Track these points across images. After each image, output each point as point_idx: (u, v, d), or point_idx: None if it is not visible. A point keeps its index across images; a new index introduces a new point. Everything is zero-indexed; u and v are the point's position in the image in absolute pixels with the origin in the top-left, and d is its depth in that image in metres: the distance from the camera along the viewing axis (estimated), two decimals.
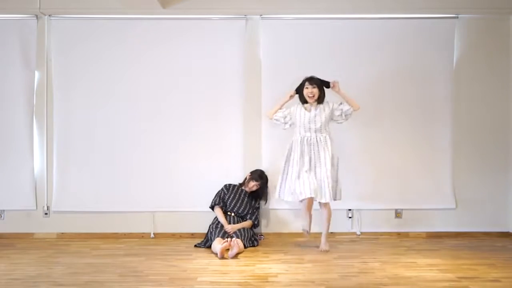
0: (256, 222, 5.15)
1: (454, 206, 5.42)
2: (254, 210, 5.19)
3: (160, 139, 5.41)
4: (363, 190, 5.36)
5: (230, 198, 5.17)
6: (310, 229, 4.81)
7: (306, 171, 4.68)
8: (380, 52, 5.39)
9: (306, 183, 4.64)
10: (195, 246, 4.94)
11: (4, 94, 5.39)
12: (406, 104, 5.39)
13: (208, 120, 5.42)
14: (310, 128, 4.77)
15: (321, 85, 4.82)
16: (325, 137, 4.76)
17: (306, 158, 4.72)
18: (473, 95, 5.45)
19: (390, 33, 5.40)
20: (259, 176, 5.20)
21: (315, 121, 4.76)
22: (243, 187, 5.24)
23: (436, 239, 5.28)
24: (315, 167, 4.71)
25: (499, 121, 5.47)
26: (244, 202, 5.18)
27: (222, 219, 5.01)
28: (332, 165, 4.71)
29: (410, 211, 5.43)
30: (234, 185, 5.27)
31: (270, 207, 5.40)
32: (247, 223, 5.09)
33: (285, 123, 4.98)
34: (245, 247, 4.79)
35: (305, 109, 4.84)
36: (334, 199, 4.74)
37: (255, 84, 5.43)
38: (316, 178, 4.68)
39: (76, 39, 5.42)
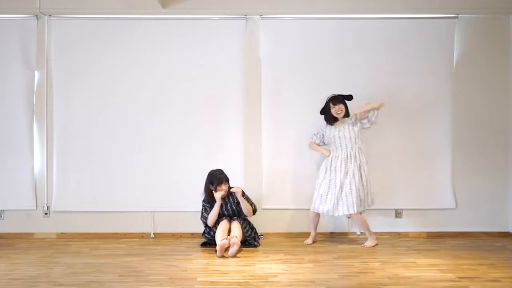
0: (254, 207, 5.01)
1: (454, 206, 5.42)
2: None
3: (160, 138, 5.41)
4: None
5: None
6: (311, 239, 5.11)
7: (335, 187, 4.91)
8: (380, 52, 5.39)
9: (328, 199, 4.93)
10: (201, 245, 4.96)
11: (4, 94, 5.39)
12: (406, 104, 5.39)
13: (208, 120, 5.42)
14: (341, 145, 4.97)
15: (344, 99, 5.01)
16: (355, 151, 4.93)
17: (334, 174, 4.93)
18: (473, 95, 5.45)
19: (390, 33, 5.40)
20: (219, 177, 4.93)
21: (344, 136, 4.95)
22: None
23: (436, 239, 5.28)
24: (343, 182, 4.90)
25: (499, 121, 5.47)
26: (229, 206, 5.00)
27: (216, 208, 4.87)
28: (361, 177, 4.91)
29: (410, 211, 5.43)
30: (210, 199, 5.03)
31: (270, 207, 5.41)
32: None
33: (325, 143, 5.19)
34: (243, 243, 4.75)
35: (334, 127, 5.03)
36: (360, 211, 4.92)
37: (255, 84, 5.43)
38: (342, 192, 4.88)
39: (76, 39, 5.42)
